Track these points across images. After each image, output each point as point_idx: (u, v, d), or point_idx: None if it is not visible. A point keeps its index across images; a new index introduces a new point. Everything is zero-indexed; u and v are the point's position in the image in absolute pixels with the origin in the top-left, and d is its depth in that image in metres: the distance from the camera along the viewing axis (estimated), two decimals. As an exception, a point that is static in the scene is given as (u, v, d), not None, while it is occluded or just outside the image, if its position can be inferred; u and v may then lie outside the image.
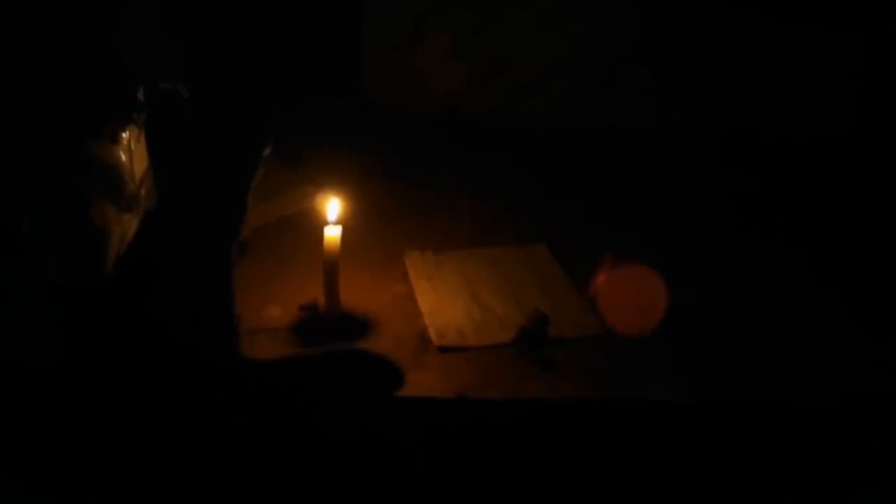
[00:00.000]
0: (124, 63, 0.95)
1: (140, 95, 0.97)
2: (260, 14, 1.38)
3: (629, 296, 0.90)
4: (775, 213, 1.20)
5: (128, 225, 0.96)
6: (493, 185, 1.25)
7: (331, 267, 0.87)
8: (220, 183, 0.83)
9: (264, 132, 0.85)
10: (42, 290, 0.88)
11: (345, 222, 0.89)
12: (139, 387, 0.81)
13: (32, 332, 0.87)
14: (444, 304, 0.94)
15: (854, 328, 0.92)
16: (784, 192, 1.25)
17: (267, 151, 0.84)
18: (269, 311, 0.91)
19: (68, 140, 0.90)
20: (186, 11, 1.19)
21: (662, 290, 0.89)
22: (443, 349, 0.86)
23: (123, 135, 0.93)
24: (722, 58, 1.37)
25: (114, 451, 0.82)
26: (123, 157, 0.93)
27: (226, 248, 0.82)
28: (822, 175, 1.29)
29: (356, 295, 0.93)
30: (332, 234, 0.86)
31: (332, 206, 0.88)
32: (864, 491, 0.80)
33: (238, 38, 1.35)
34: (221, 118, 0.87)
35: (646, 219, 1.16)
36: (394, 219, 1.14)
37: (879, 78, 1.36)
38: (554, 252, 1.07)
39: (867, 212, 1.20)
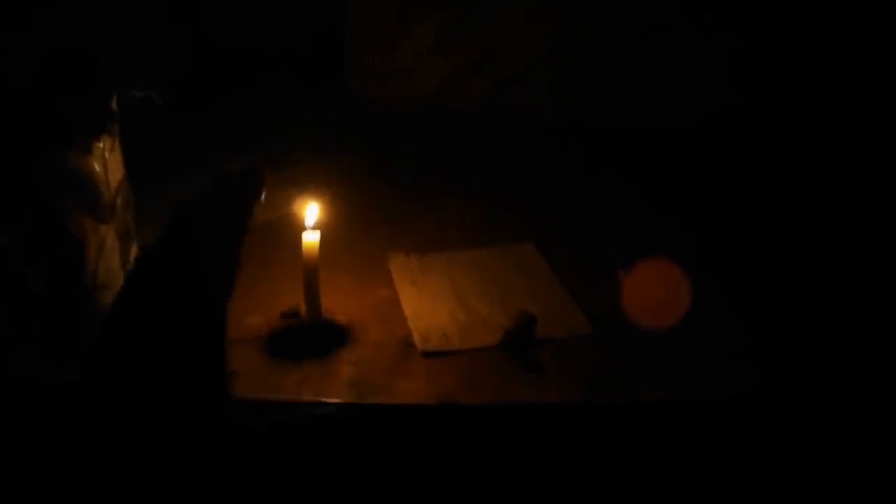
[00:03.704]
0: (98, 70, 0.93)
1: (114, 104, 0.95)
2: (239, 14, 1.36)
3: (654, 291, 0.90)
4: (769, 212, 1.17)
5: (105, 235, 0.95)
6: (481, 182, 1.22)
7: (310, 273, 0.85)
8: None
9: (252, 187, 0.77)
10: (23, 304, 0.87)
11: (327, 226, 0.87)
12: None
13: (16, 345, 0.86)
14: (428, 308, 0.92)
15: (853, 331, 0.89)
16: (778, 192, 1.22)
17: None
18: (250, 319, 0.90)
19: (41, 151, 0.88)
20: (163, 13, 1.17)
21: (686, 285, 0.90)
22: (427, 354, 0.85)
23: (97, 145, 0.92)
24: (710, 51, 1.34)
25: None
26: (98, 168, 0.91)
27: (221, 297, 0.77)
28: (815, 175, 1.26)
29: (339, 300, 0.92)
30: (310, 239, 0.85)
31: (311, 211, 0.86)
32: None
33: (217, 38, 1.34)
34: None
35: (637, 214, 1.14)
36: (379, 220, 1.12)
37: (873, 78, 1.32)
38: (542, 250, 1.05)
39: (863, 213, 1.17)
